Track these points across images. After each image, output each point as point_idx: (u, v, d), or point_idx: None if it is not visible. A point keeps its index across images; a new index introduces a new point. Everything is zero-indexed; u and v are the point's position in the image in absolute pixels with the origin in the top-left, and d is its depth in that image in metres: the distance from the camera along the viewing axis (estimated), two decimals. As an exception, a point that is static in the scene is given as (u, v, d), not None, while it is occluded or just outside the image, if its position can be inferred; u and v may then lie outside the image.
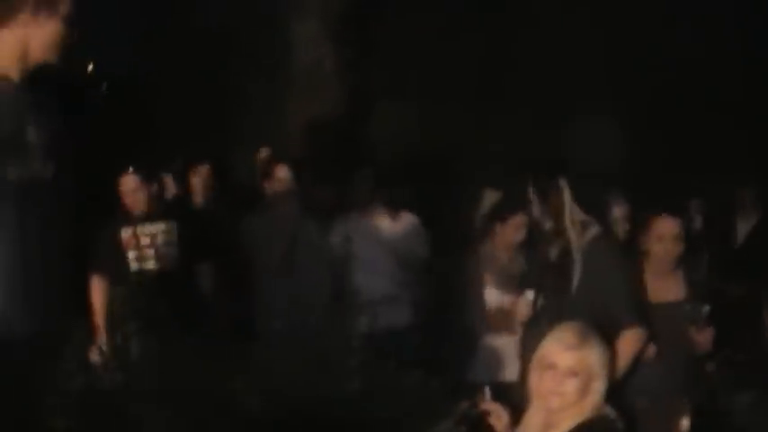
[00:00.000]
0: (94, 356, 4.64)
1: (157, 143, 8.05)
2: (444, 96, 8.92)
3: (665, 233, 4.30)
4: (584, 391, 3.16)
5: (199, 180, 6.63)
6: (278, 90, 8.88)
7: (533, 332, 3.83)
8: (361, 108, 8.93)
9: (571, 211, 3.92)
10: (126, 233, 5.66)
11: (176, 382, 4.32)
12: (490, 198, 5.99)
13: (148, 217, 5.69)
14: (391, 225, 6.01)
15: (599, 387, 3.19)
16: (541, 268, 4.07)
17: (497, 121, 8.94)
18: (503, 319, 5.11)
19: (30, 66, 2.94)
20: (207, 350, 4.34)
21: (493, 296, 5.30)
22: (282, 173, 6.01)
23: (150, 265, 5.64)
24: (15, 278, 2.91)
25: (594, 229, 3.94)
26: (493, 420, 3.51)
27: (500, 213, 5.39)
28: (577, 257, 3.87)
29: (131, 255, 5.64)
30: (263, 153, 7.24)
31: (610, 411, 3.25)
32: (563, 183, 3.94)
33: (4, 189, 2.85)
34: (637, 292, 4.02)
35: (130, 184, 5.69)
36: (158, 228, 5.68)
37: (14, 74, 2.90)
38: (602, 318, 3.64)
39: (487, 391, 3.57)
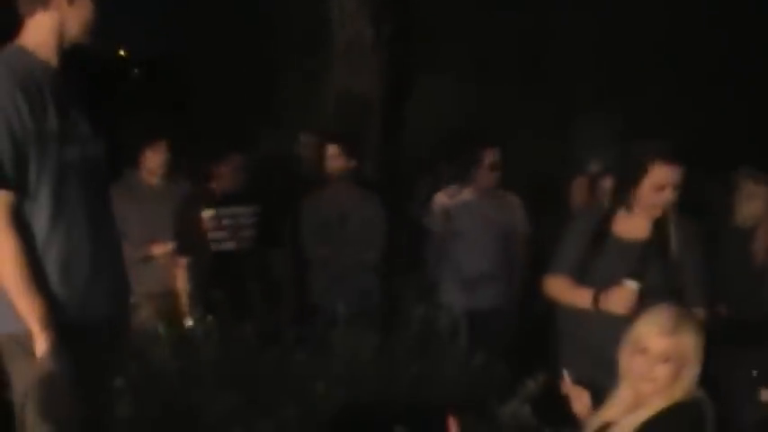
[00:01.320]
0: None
1: (196, 125, 7.96)
2: (485, 73, 8.82)
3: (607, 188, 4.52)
4: (675, 376, 3.09)
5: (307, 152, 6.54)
6: (316, 67, 8.78)
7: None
8: (402, 84, 8.82)
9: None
10: (207, 214, 5.63)
11: (242, 368, 4.26)
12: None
13: (230, 199, 5.68)
14: (493, 203, 5.87)
15: (691, 373, 3.11)
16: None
17: (537, 98, 8.83)
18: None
19: (63, 48, 2.98)
20: (271, 335, 4.28)
21: None
22: (333, 151, 5.91)
23: (229, 246, 5.64)
24: (88, 261, 2.93)
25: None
26: (573, 404, 3.49)
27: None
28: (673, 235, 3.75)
29: (212, 236, 5.62)
30: (307, 137, 7.13)
31: (702, 395, 3.16)
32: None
33: (67, 172, 2.90)
34: (707, 274, 3.89)
35: (229, 165, 5.69)
36: (239, 210, 5.68)
37: (53, 58, 2.95)
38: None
39: (567, 374, 3.52)
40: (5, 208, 2.78)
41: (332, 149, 5.93)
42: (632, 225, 3.85)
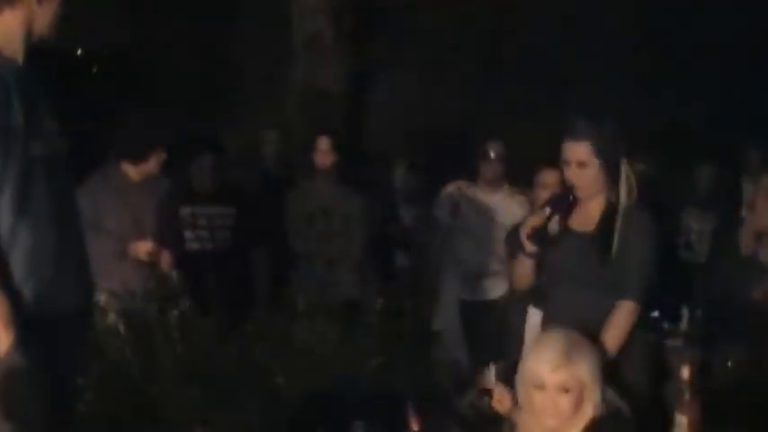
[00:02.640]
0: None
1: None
2: (445, 68, 8.84)
3: (547, 182, 4.63)
4: (579, 402, 3.01)
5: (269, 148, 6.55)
6: (277, 64, 8.76)
7: None
8: (362, 80, 8.84)
9: (628, 184, 3.75)
10: (184, 212, 5.62)
11: (204, 361, 4.27)
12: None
13: (208, 198, 5.67)
14: (499, 199, 5.88)
15: (595, 393, 3.03)
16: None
17: (500, 92, 8.86)
18: None
19: (28, 43, 2.95)
20: (238, 327, 4.30)
21: None
22: (324, 144, 5.91)
23: (206, 245, 5.62)
24: (53, 255, 2.93)
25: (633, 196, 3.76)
26: (494, 402, 3.45)
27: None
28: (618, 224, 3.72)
29: (189, 234, 5.60)
30: (269, 136, 7.12)
31: (613, 398, 3.12)
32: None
33: (32, 167, 2.87)
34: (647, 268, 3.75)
35: (207, 163, 5.66)
36: (216, 210, 5.67)
37: (19, 55, 2.93)
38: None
39: (492, 369, 3.46)
40: None
41: (324, 143, 5.91)
42: (584, 216, 3.79)
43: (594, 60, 8.86)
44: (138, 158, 5.31)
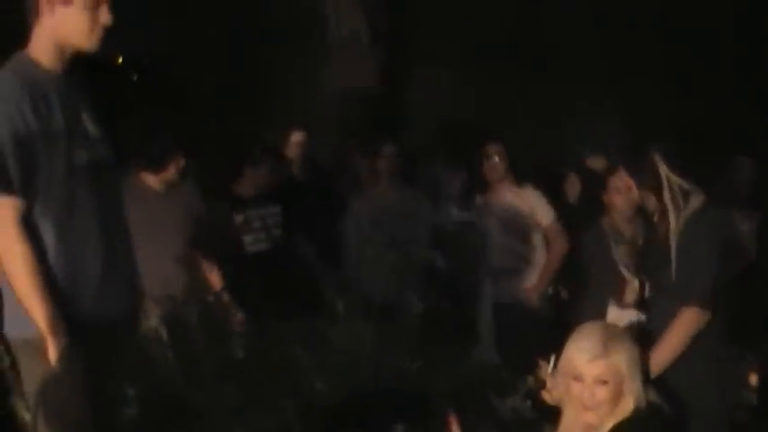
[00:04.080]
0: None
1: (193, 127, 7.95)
2: (482, 65, 8.80)
3: (621, 186, 4.73)
4: (617, 394, 3.00)
5: (295, 149, 6.62)
6: (313, 64, 8.78)
7: None
8: (398, 79, 8.84)
9: (670, 187, 3.74)
10: (238, 218, 5.68)
11: (243, 364, 4.28)
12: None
13: (258, 200, 5.74)
14: (507, 197, 5.89)
15: (634, 387, 3.02)
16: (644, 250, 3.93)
17: (535, 90, 8.82)
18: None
19: (67, 54, 2.99)
20: (278, 330, 4.31)
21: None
22: (388, 150, 6.09)
23: (262, 246, 5.69)
24: (100, 265, 2.95)
25: (696, 201, 3.72)
26: (545, 394, 3.45)
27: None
28: (674, 240, 3.68)
29: (247, 238, 5.67)
30: (297, 137, 7.13)
31: (654, 397, 3.11)
32: (657, 157, 3.73)
33: (77, 176, 2.92)
34: (711, 272, 3.67)
35: (264, 167, 5.75)
36: (268, 211, 5.74)
37: (56, 64, 2.97)
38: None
39: (552, 359, 3.44)
40: (14, 214, 2.80)
41: (388, 150, 6.08)
42: None
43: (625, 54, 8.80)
44: (155, 166, 5.20)
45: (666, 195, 3.70)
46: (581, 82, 8.88)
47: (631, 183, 4.68)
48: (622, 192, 4.85)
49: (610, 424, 3.01)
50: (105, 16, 2.96)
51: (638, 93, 8.53)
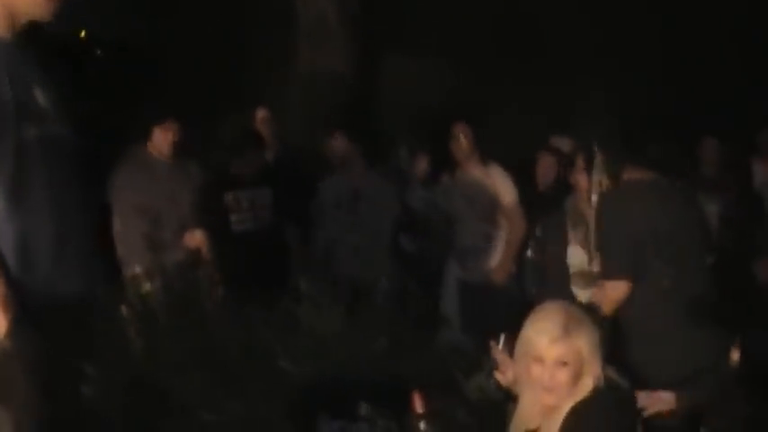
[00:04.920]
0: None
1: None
2: (452, 49, 8.80)
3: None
4: (577, 376, 2.96)
5: (263, 127, 6.71)
6: (281, 46, 8.74)
7: None
8: (367, 62, 8.80)
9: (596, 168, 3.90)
10: (228, 197, 5.78)
11: (210, 345, 4.26)
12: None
13: (249, 181, 5.84)
14: (473, 177, 5.90)
15: (594, 368, 2.97)
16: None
17: (508, 74, 8.82)
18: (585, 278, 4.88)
19: (19, 23, 2.90)
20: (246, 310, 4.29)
21: (577, 255, 4.97)
22: (358, 132, 6.26)
23: (249, 227, 5.81)
24: (51, 241, 2.89)
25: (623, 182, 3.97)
26: (498, 373, 3.42)
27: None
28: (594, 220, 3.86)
29: (233, 217, 5.78)
30: (261, 113, 7.11)
31: (610, 372, 3.07)
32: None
33: (27, 148, 2.83)
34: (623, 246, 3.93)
35: (251, 150, 5.92)
36: (257, 192, 5.86)
37: (4, 33, 2.86)
38: None
39: (502, 339, 3.41)
40: None
41: (357, 131, 6.26)
42: None
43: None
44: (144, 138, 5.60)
45: (594, 177, 3.83)
46: (556, 66, 8.88)
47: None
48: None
49: (569, 404, 2.98)
50: None
51: (611, 77, 8.52)
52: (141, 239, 5.35)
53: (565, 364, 2.95)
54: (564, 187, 6.00)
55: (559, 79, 8.70)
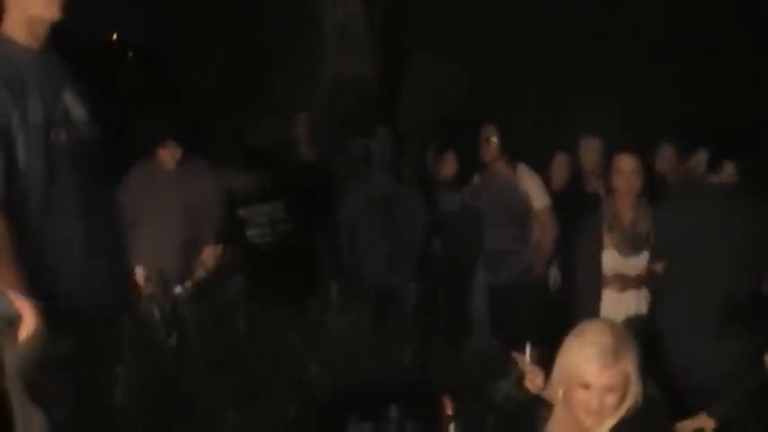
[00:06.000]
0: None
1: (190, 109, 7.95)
2: (481, 51, 8.77)
3: (624, 168, 4.76)
4: (624, 398, 2.86)
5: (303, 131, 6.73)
6: (309, 50, 8.74)
7: None
8: (396, 65, 8.80)
9: None
10: (242, 212, 5.85)
11: (238, 351, 4.27)
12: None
13: (261, 196, 5.90)
14: (502, 179, 5.89)
15: (637, 387, 2.87)
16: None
17: (534, 78, 8.79)
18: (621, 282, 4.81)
19: (39, 29, 2.91)
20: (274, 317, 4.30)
21: (612, 259, 4.85)
22: (384, 136, 6.26)
23: (267, 239, 5.88)
24: (81, 246, 2.91)
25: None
26: (527, 382, 3.34)
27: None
28: None
29: (251, 232, 5.86)
30: (301, 118, 7.11)
31: (649, 386, 2.97)
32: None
33: (57, 154, 2.86)
34: None
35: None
36: (270, 206, 5.91)
37: (32, 41, 2.90)
38: None
39: (528, 348, 3.35)
40: None
41: (384, 135, 6.27)
42: None
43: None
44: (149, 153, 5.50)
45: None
46: (581, 69, 8.83)
47: (636, 165, 4.74)
48: (625, 174, 4.84)
49: (609, 424, 2.89)
50: None
51: (637, 83, 8.46)
52: (149, 247, 5.22)
53: (613, 390, 2.85)
54: (579, 188, 6.01)
55: (583, 82, 8.65)
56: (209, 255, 5.42)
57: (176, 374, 4.25)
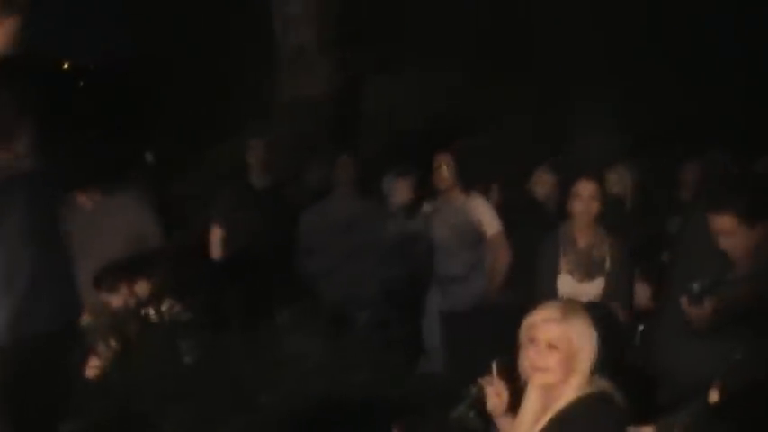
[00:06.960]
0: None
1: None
2: (436, 67, 8.78)
3: (582, 194, 4.80)
4: (567, 366, 3.08)
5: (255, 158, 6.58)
6: (265, 74, 8.74)
7: None
8: (352, 86, 8.81)
9: None
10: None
11: (191, 377, 4.24)
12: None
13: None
14: (454, 206, 5.89)
15: (585, 364, 3.09)
16: None
17: (490, 96, 8.81)
18: None
19: None
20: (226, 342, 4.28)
21: (567, 284, 4.87)
22: (342, 160, 6.31)
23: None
24: (28, 273, 2.88)
25: None
26: (490, 397, 3.41)
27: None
28: None
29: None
30: (255, 144, 7.08)
31: (606, 385, 3.14)
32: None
33: (7, 183, 2.85)
34: None
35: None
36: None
37: None
38: None
39: (494, 366, 3.42)
40: None
41: (341, 159, 6.29)
42: None
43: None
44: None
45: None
46: (544, 86, 8.83)
47: (594, 190, 4.78)
48: (583, 200, 4.87)
49: (562, 403, 3.08)
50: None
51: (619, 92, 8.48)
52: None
53: (555, 347, 3.07)
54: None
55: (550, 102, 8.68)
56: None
57: (127, 404, 4.21)
